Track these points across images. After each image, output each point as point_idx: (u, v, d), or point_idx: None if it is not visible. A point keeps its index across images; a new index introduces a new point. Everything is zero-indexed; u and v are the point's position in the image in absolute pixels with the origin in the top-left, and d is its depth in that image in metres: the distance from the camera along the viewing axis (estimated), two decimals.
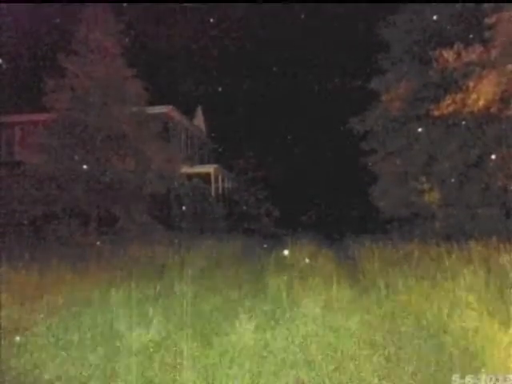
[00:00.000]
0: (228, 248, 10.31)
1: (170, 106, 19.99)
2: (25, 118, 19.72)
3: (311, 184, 26.70)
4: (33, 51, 18.82)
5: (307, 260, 8.32)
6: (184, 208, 15.99)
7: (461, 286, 5.22)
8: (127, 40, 14.70)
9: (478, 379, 3.40)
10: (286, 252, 9.51)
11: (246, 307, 5.02)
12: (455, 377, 3.43)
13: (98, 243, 11.25)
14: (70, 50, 13.88)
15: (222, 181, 23.03)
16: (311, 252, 9.70)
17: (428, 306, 4.93)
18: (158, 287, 6.38)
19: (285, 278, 6.18)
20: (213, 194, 20.41)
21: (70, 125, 13.31)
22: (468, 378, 3.41)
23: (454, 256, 7.89)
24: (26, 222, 13.08)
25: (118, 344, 4.11)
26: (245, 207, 20.77)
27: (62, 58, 13.57)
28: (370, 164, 14.67)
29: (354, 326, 4.35)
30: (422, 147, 12.52)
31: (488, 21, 10.52)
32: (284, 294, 5.28)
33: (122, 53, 14.69)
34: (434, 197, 11.86)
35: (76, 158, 12.82)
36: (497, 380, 3.38)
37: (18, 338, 4.09)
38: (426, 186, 11.93)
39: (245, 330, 4.03)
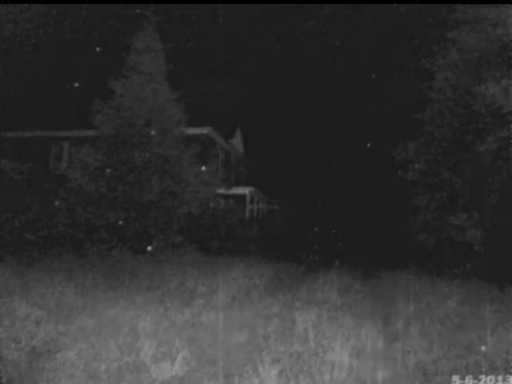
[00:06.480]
0: (258, 275, 10.23)
1: (210, 127, 20.41)
2: (74, 134, 20.75)
3: (348, 211, 26.21)
4: (86, 73, 20.05)
5: (338, 296, 8.10)
6: (217, 229, 16.10)
7: None
8: (171, 65, 15.29)
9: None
10: (316, 284, 9.33)
11: (271, 346, 4.93)
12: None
13: (133, 261, 11.55)
14: (120, 73, 14.59)
15: (257, 203, 23.10)
16: (343, 286, 9.44)
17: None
18: (187, 315, 6.42)
19: (313, 316, 6.04)
20: (247, 215, 20.49)
21: (114, 144, 13.87)
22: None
23: (497, 301, 7.46)
24: (66, 234, 13.63)
25: (141, 376, 4.16)
26: (278, 231, 20.65)
27: (111, 81, 14.29)
28: (410, 195, 14.21)
29: (382, 377, 4.16)
30: (466, 181, 12.02)
31: None
32: (311, 335, 5.14)
33: (167, 76, 15.29)
34: (476, 234, 11.28)
35: (117, 176, 13.32)
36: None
37: (47, 364, 4.20)
38: (468, 223, 11.39)
39: (268, 375, 3.94)
